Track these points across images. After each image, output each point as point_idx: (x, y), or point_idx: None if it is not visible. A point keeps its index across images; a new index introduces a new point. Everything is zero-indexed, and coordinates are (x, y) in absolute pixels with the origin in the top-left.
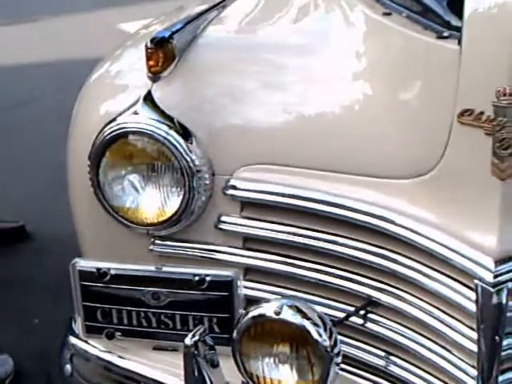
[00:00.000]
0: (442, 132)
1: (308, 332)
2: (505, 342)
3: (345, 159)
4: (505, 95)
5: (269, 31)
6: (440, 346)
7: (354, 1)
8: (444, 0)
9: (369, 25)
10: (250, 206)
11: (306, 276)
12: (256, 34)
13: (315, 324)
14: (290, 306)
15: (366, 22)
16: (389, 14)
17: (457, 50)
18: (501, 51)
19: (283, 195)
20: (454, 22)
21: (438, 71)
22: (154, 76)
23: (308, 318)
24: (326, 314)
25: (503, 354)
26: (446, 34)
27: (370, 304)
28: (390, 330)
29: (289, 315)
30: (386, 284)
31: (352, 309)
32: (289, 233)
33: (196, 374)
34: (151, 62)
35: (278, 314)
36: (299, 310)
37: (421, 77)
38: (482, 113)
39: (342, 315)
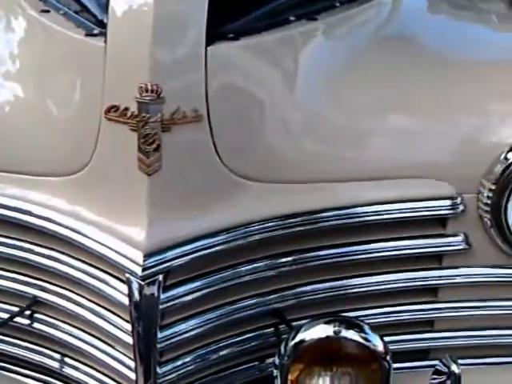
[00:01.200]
0: (92, 129)
1: None
2: (162, 334)
3: None
4: (147, 91)
5: None
6: (104, 342)
7: None
8: None
9: (26, 23)
10: None
11: None
12: None
13: None
14: None
15: (23, 20)
16: (47, 12)
17: (103, 47)
18: (142, 49)
19: None
20: (107, 20)
21: (86, 68)
22: None
23: None
24: None
25: (160, 345)
26: (95, 32)
27: (35, 304)
28: (59, 329)
29: None
30: (49, 283)
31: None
32: None
33: None
34: None
35: None
36: None
37: (71, 74)
38: (126, 109)
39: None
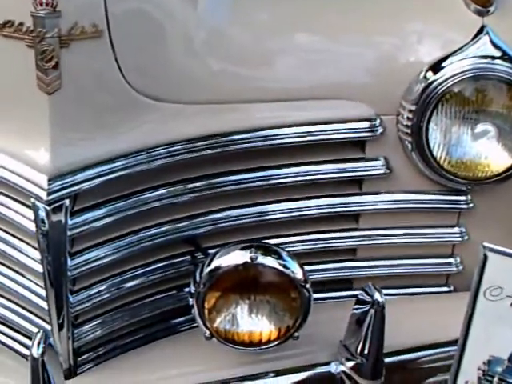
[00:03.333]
0: None
1: None
2: (73, 262)
3: None
4: (41, 5)
5: None
6: (14, 271)
7: None
8: None
9: None
10: None
11: None
12: None
13: None
14: None
15: None
16: None
17: None
18: None
19: None
20: None
21: None
22: None
23: None
24: None
25: (71, 273)
26: None
27: None
28: None
29: None
30: None
31: None
32: None
33: None
34: None
35: None
36: None
37: None
38: (21, 24)
39: None
